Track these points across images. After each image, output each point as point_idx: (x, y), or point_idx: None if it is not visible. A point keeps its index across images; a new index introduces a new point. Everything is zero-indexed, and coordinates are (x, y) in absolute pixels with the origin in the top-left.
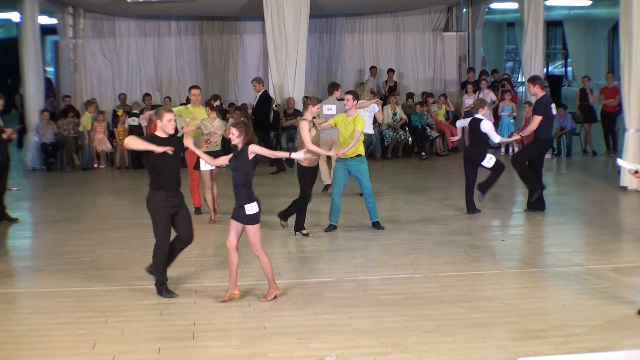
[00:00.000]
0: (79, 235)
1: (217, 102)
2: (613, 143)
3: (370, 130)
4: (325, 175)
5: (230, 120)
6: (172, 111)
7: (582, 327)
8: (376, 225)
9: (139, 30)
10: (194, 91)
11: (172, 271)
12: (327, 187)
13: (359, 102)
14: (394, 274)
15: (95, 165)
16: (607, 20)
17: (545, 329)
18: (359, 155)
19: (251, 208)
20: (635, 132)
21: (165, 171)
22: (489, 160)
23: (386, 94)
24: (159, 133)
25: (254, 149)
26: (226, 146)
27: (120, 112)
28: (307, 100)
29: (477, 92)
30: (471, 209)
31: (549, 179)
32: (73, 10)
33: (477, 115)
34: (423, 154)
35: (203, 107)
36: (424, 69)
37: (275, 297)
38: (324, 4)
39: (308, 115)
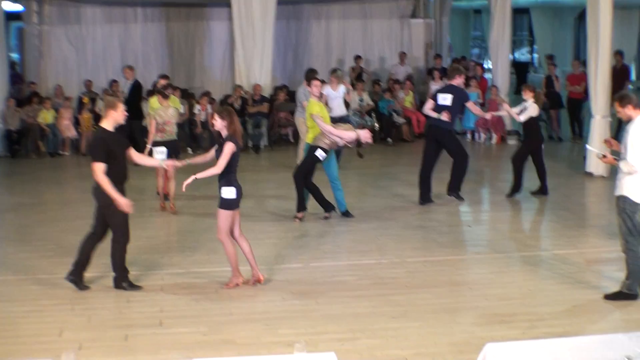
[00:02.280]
0: (45, 222)
1: (164, 82)
2: (579, 129)
3: (342, 112)
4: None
5: (197, 107)
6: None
7: (548, 312)
8: (346, 214)
9: (104, 16)
10: (162, 81)
11: (137, 258)
12: None
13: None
14: (361, 259)
15: (60, 152)
16: (574, 7)
17: (512, 313)
18: None
19: (227, 192)
20: (602, 119)
21: (116, 165)
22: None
23: (353, 81)
24: (108, 125)
25: (225, 151)
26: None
27: (85, 100)
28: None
29: (445, 79)
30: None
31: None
32: None
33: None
34: (389, 140)
35: (173, 97)
36: (390, 55)
37: (237, 285)
38: None
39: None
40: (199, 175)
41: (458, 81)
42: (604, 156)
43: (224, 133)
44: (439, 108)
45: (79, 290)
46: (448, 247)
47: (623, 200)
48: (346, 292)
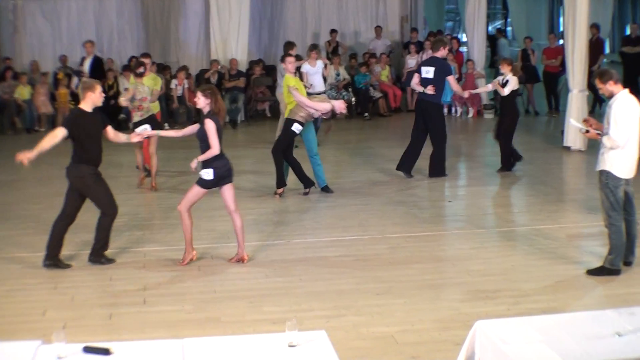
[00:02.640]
0: (23, 199)
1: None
2: (555, 103)
3: (321, 88)
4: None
5: (174, 81)
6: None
7: (532, 287)
8: (325, 189)
9: None
10: (144, 60)
11: (119, 235)
12: None
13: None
14: (342, 235)
15: (37, 128)
16: None
17: (496, 289)
18: None
19: (205, 173)
20: (579, 93)
21: (91, 145)
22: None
23: (329, 55)
24: (86, 106)
25: (210, 130)
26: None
27: (60, 75)
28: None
29: (421, 53)
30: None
31: (492, 140)
32: None
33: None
34: (366, 114)
35: (155, 75)
36: (366, 29)
37: (192, 259)
38: None
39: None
40: (200, 158)
41: (442, 53)
42: (587, 131)
43: (206, 111)
44: (423, 81)
45: (62, 269)
46: (429, 222)
47: (606, 175)
48: (329, 268)
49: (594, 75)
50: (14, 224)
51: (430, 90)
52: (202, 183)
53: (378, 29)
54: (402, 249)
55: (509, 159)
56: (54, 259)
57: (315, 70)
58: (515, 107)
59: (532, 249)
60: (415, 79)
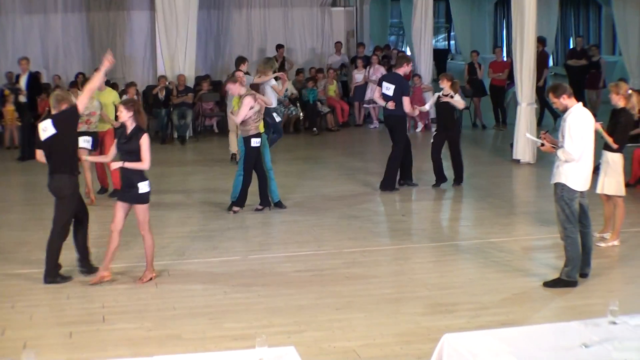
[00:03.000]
0: None
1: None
2: (502, 117)
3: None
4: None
5: (124, 97)
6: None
7: (490, 300)
8: (278, 204)
9: (24, 6)
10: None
11: (70, 254)
12: (233, 156)
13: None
14: (298, 251)
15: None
16: None
17: (455, 302)
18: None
19: (144, 187)
20: (527, 106)
21: (74, 153)
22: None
23: (276, 70)
24: None
25: (142, 142)
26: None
27: (7, 92)
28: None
29: (368, 67)
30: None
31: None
32: None
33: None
34: (315, 129)
35: (110, 90)
36: (312, 44)
37: (151, 279)
38: None
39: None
40: (127, 165)
41: (404, 69)
42: (543, 144)
43: (130, 125)
44: (384, 97)
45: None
46: (384, 237)
47: (561, 188)
48: (287, 284)
49: (547, 90)
50: None
51: (390, 105)
52: (144, 198)
53: (338, 45)
54: (359, 264)
55: (462, 171)
56: (53, 276)
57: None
58: (455, 122)
59: (488, 262)
60: (377, 93)
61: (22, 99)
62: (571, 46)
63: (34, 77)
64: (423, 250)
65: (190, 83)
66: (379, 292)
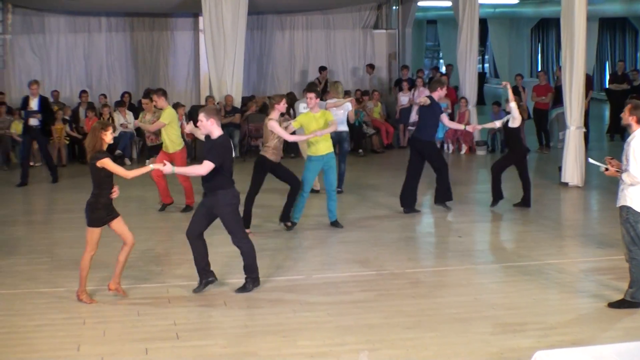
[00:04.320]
0: (32, 234)
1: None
2: (546, 140)
3: (344, 127)
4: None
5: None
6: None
7: (557, 320)
8: (335, 224)
9: (68, 26)
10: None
11: (136, 271)
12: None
13: (333, 100)
14: (361, 271)
15: (32, 163)
16: (531, 19)
17: (523, 322)
18: (331, 151)
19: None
20: (576, 130)
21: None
22: None
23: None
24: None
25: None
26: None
27: (56, 109)
28: (271, 100)
29: (413, 90)
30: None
31: (488, 176)
32: (2, 5)
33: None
34: (360, 151)
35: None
36: (354, 66)
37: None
38: (258, 1)
39: (275, 114)
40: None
41: (438, 94)
42: (607, 169)
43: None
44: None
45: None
46: (443, 257)
47: (626, 210)
48: (354, 303)
49: (630, 106)
50: (27, 259)
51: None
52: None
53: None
54: (423, 284)
55: (529, 194)
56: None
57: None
58: (520, 143)
59: (550, 283)
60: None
61: (34, 122)
62: (607, 70)
63: (44, 101)
64: (484, 271)
65: (237, 103)
66: (446, 311)
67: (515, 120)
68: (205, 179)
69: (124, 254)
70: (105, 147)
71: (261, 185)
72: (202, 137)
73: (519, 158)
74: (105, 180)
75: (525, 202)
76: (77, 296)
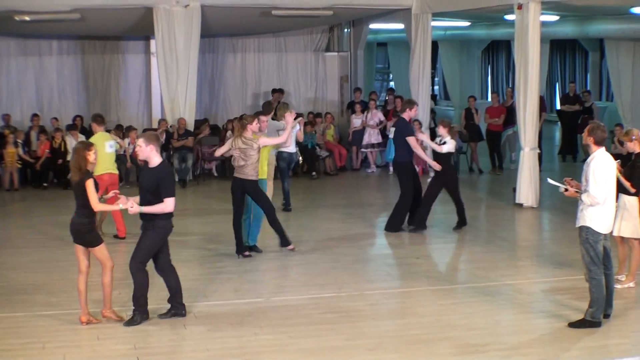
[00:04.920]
0: None
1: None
2: (499, 161)
3: (293, 148)
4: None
5: (126, 141)
6: None
7: (519, 341)
8: (254, 248)
9: (19, 49)
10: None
11: (97, 295)
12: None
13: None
14: (320, 293)
15: None
16: (482, 41)
17: (485, 343)
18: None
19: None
20: (530, 151)
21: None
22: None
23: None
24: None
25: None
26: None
27: (6, 132)
28: (243, 121)
29: (365, 112)
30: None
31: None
32: None
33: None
34: (314, 173)
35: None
36: (306, 88)
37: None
38: (210, 24)
39: (248, 134)
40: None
41: (408, 114)
42: (566, 190)
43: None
44: (389, 141)
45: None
46: (402, 279)
47: (586, 231)
48: (314, 325)
49: (587, 129)
50: None
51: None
52: None
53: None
54: (382, 305)
55: (463, 214)
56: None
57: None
58: (452, 168)
59: (509, 304)
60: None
61: None
62: (557, 92)
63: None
64: (443, 292)
65: (190, 126)
66: (407, 332)
67: (450, 145)
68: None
69: (107, 277)
70: (89, 167)
71: (243, 206)
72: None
73: (449, 180)
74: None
75: (461, 223)
76: (103, 315)
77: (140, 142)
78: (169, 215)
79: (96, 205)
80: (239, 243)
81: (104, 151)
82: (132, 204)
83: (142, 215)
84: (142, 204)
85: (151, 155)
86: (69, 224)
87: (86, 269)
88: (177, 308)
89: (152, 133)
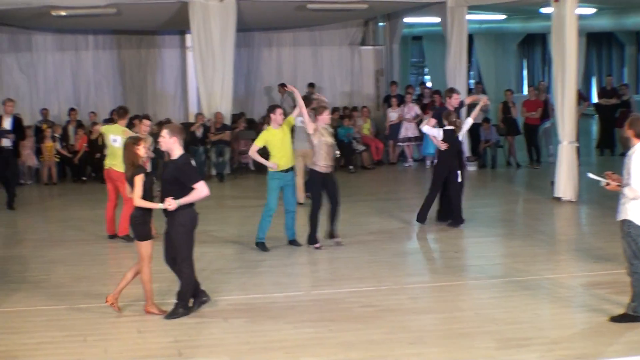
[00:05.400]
0: (27, 252)
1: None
2: (536, 155)
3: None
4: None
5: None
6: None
7: (560, 335)
8: (293, 242)
9: (55, 44)
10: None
11: (135, 288)
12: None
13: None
14: (359, 286)
15: (22, 182)
16: (517, 34)
17: (526, 337)
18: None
19: None
20: (568, 144)
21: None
22: (459, 176)
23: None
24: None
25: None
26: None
27: (45, 127)
28: (315, 112)
29: (402, 106)
30: (423, 219)
31: (480, 192)
32: None
33: (448, 127)
34: (351, 167)
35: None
36: (341, 82)
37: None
38: (245, 18)
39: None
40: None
41: (448, 103)
42: (608, 183)
43: None
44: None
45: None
46: (442, 273)
47: (628, 224)
48: (354, 318)
49: (628, 121)
50: (23, 277)
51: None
52: None
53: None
54: (423, 299)
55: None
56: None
57: None
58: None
59: (551, 298)
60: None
61: (7, 142)
62: (593, 85)
63: (18, 121)
64: (483, 286)
65: (227, 121)
66: (447, 326)
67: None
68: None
69: (133, 272)
70: (140, 161)
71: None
72: None
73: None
74: (146, 194)
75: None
76: (146, 310)
77: (165, 132)
78: (190, 205)
79: (138, 200)
80: (313, 234)
81: (109, 144)
82: (169, 202)
83: (165, 211)
84: (165, 196)
85: (174, 147)
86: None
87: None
88: (199, 296)
89: (178, 125)
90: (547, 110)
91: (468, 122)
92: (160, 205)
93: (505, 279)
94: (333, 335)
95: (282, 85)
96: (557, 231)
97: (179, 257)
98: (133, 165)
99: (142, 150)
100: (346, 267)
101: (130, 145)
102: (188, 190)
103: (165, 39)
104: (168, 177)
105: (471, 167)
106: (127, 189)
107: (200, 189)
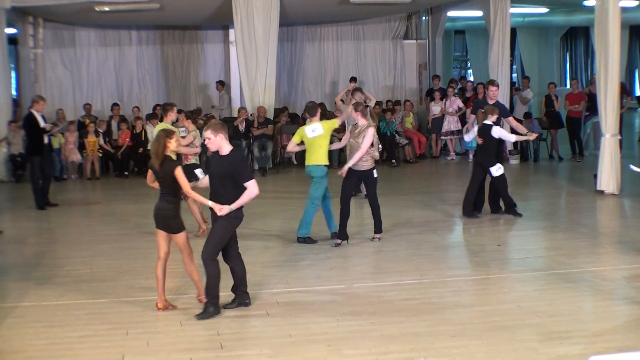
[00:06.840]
0: (69, 247)
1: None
2: (579, 148)
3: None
4: None
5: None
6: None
7: (602, 327)
8: (335, 234)
9: (99, 39)
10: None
11: (177, 282)
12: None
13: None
14: (401, 279)
15: (65, 176)
16: (560, 28)
17: (568, 330)
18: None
19: None
20: (612, 137)
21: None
22: (497, 170)
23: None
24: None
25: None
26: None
27: (87, 122)
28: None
29: (444, 100)
30: (468, 212)
31: (523, 185)
32: (33, 19)
33: (486, 122)
34: (393, 161)
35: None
36: (384, 76)
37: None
38: (288, 13)
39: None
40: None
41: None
42: None
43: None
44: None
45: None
46: (484, 266)
47: None
48: (397, 311)
49: None
50: (66, 271)
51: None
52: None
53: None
54: (465, 292)
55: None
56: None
57: None
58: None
59: (593, 290)
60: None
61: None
62: (637, 79)
63: (30, 116)
64: (525, 279)
65: (270, 115)
66: (490, 319)
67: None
68: (219, 195)
69: (188, 264)
70: (168, 153)
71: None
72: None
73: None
74: (180, 188)
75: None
76: (199, 300)
77: (208, 133)
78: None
79: (189, 191)
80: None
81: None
82: (219, 207)
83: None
84: (215, 192)
85: (222, 144)
86: (154, 210)
87: (165, 256)
88: (242, 297)
89: (217, 122)
90: (596, 104)
91: (473, 131)
92: (210, 203)
93: (548, 272)
94: (374, 328)
95: (220, 83)
96: (599, 224)
97: (208, 249)
98: (158, 157)
99: (174, 144)
100: (388, 260)
101: (162, 137)
102: (239, 185)
103: (208, 33)
104: (222, 172)
105: (513, 161)
106: (184, 182)
107: (252, 188)
